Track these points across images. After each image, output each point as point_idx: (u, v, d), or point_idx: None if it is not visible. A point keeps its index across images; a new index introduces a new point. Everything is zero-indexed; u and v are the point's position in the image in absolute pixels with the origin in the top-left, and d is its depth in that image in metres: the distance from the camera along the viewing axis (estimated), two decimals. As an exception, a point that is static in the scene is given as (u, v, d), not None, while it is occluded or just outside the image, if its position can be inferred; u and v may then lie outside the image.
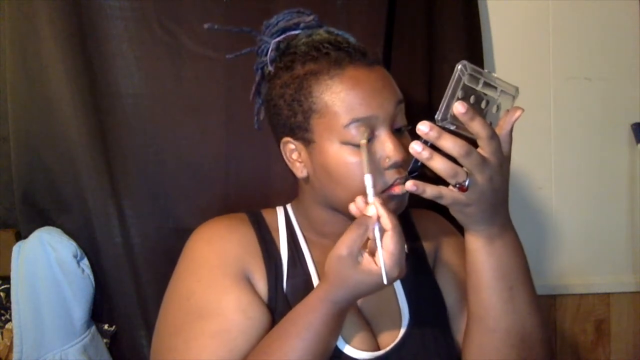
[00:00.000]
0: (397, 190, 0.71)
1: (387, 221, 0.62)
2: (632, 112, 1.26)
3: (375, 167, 0.70)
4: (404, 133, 0.75)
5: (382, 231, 0.62)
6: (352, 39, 0.78)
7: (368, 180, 0.64)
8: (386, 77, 0.74)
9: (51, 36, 0.92)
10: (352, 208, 0.66)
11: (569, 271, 1.27)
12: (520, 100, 0.62)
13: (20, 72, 0.94)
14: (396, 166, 0.71)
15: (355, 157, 0.70)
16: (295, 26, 0.78)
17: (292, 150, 0.76)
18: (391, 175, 0.71)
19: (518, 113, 0.60)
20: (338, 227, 0.75)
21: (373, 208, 0.63)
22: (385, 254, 0.61)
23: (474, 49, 1.15)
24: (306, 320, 0.65)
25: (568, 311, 1.27)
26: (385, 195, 0.71)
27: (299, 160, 0.76)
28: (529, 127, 1.22)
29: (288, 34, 0.78)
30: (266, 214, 0.84)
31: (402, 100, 0.74)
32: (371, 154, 0.70)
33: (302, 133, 0.73)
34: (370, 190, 0.63)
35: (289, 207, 0.86)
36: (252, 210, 0.84)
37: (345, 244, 0.62)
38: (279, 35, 0.78)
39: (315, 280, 0.76)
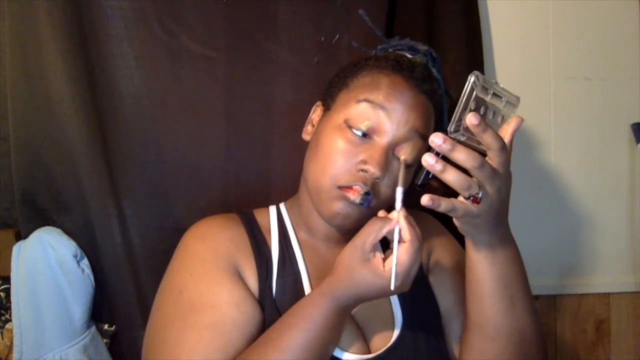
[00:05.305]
0: (352, 195, 0.72)
1: (406, 233, 0.63)
2: (632, 112, 1.27)
3: (350, 160, 0.72)
4: (397, 162, 0.74)
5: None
6: (433, 73, 0.83)
7: (399, 193, 0.64)
8: (421, 106, 0.75)
9: (51, 36, 0.92)
10: (381, 212, 0.69)
11: (569, 271, 1.27)
12: (520, 100, 0.62)
13: (20, 72, 0.94)
14: (367, 176, 0.72)
15: (345, 144, 0.73)
16: (410, 48, 0.86)
17: (314, 112, 0.85)
18: (357, 178, 0.72)
19: (519, 123, 0.60)
20: (324, 225, 0.78)
21: (395, 214, 0.64)
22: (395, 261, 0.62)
23: (473, 49, 1.14)
24: (305, 313, 0.66)
25: (568, 311, 1.27)
26: (337, 192, 0.72)
27: (313, 123, 0.83)
28: (529, 127, 1.22)
29: (399, 49, 0.87)
30: (258, 214, 0.84)
31: (420, 134, 0.74)
32: (356, 147, 0.73)
33: (328, 100, 0.81)
34: (399, 202, 0.64)
35: (282, 206, 0.86)
36: (243, 210, 0.85)
37: (359, 237, 0.65)
38: (395, 48, 0.88)
39: (305, 280, 0.76)
